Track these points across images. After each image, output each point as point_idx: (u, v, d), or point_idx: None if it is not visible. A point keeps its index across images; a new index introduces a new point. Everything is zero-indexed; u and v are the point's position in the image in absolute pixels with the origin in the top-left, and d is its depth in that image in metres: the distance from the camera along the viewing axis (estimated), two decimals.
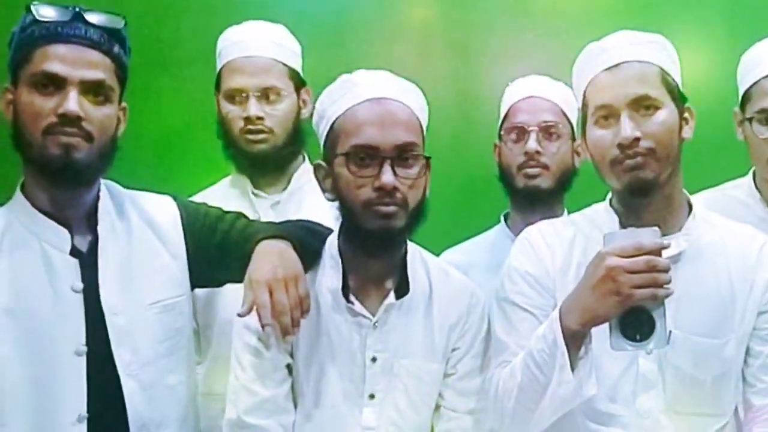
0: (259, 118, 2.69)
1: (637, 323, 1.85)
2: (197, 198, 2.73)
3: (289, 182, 2.78)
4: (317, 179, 2.19)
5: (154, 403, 2.10)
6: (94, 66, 2.03)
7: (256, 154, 2.73)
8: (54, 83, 2.00)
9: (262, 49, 2.75)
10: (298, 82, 2.78)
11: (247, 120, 2.70)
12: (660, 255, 1.85)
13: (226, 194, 2.79)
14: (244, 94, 2.71)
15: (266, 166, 2.76)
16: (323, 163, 2.18)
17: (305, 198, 2.71)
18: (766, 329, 2.10)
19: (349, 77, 2.18)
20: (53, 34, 2.02)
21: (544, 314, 2.03)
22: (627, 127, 2.01)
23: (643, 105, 2.04)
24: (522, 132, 2.74)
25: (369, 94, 2.12)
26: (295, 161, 2.80)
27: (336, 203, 2.16)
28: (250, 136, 2.71)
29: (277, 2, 3.54)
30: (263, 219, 2.66)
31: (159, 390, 2.12)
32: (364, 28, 3.61)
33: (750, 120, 2.55)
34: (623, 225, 2.09)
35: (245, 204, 2.74)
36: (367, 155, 2.08)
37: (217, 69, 2.80)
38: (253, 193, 2.78)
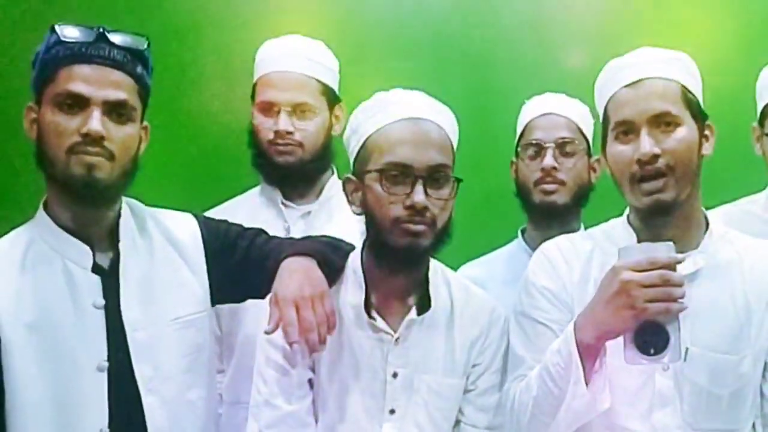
0: (289, 133, 2.73)
1: (651, 337, 1.86)
2: (224, 208, 2.78)
3: (320, 193, 2.81)
4: (345, 193, 2.21)
5: (174, 418, 2.11)
6: (117, 86, 2.04)
7: (283, 165, 2.76)
8: (78, 103, 2.02)
9: (297, 65, 2.77)
10: (332, 99, 2.81)
11: (277, 133, 2.73)
12: (674, 269, 1.85)
13: (255, 204, 2.83)
14: (275, 109, 2.74)
15: (292, 178, 2.79)
16: (353, 177, 2.19)
17: (336, 209, 2.73)
18: None
19: (385, 95, 2.20)
20: (77, 54, 2.04)
21: (561, 329, 2.03)
22: (646, 144, 2.02)
23: (663, 122, 2.04)
24: (539, 148, 2.76)
25: (404, 113, 2.14)
26: (324, 174, 2.83)
27: (362, 217, 2.17)
28: (279, 148, 2.74)
29: (297, 19, 3.55)
30: (293, 229, 2.70)
31: (179, 405, 2.13)
32: (383, 44, 3.62)
33: None
34: (640, 241, 2.10)
35: (275, 213, 2.78)
36: (400, 173, 2.09)
37: (254, 80, 2.83)
38: (282, 203, 2.81)
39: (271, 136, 2.74)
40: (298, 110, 2.74)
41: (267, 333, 2.08)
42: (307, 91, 2.76)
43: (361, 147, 2.17)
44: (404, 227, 2.08)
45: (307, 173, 2.79)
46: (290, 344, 2.06)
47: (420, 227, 2.08)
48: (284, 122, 2.72)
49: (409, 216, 2.08)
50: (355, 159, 2.19)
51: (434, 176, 2.10)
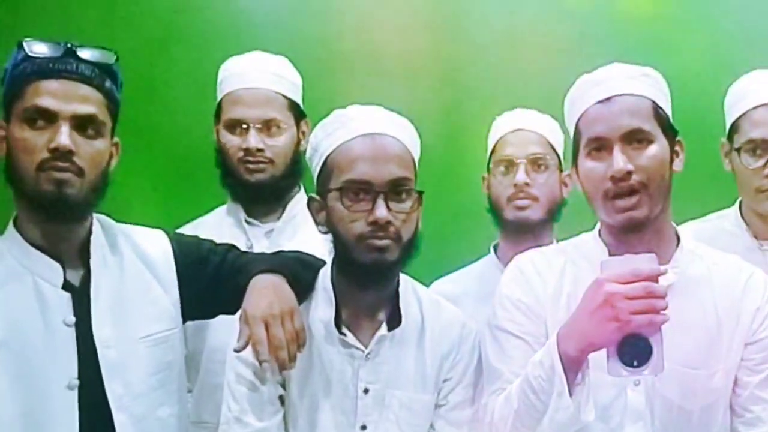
0: (259, 150, 2.71)
1: (634, 349, 1.86)
2: (192, 226, 2.76)
3: (283, 211, 2.79)
4: (311, 212, 2.21)
5: None
6: (85, 101, 2.03)
7: (254, 184, 2.74)
8: (45, 118, 2.00)
9: (264, 80, 2.76)
10: (298, 114, 2.80)
11: (247, 151, 2.71)
12: (657, 281, 1.86)
13: (221, 223, 2.81)
14: (244, 126, 2.73)
15: (263, 196, 2.77)
16: (316, 197, 2.19)
17: (300, 227, 2.71)
18: (754, 360, 2.10)
19: (342, 112, 2.20)
20: (45, 70, 2.03)
21: (536, 341, 2.04)
22: (620, 161, 2.03)
23: (635, 138, 2.05)
24: (510, 164, 2.77)
25: (362, 130, 2.14)
26: (291, 191, 2.82)
27: (329, 236, 2.17)
28: (250, 166, 2.72)
29: (267, 35, 3.55)
30: (256, 247, 2.68)
31: (150, 422, 2.11)
32: (354, 60, 3.63)
33: (738, 150, 2.57)
34: (612, 255, 2.10)
35: (239, 232, 2.76)
36: (361, 190, 2.09)
37: (218, 99, 2.82)
38: (246, 221, 2.79)
39: (240, 154, 2.72)
40: (267, 127, 2.73)
41: (236, 351, 2.08)
42: (276, 107, 2.75)
43: (323, 165, 2.17)
44: (369, 243, 2.08)
45: (278, 190, 2.78)
46: (260, 362, 2.05)
47: (384, 242, 2.08)
48: (254, 139, 2.71)
49: (373, 231, 2.08)
50: (318, 177, 2.20)
51: (395, 190, 2.10)
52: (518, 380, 2.02)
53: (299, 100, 2.84)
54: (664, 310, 1.85)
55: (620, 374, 1.88)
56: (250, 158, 2.72)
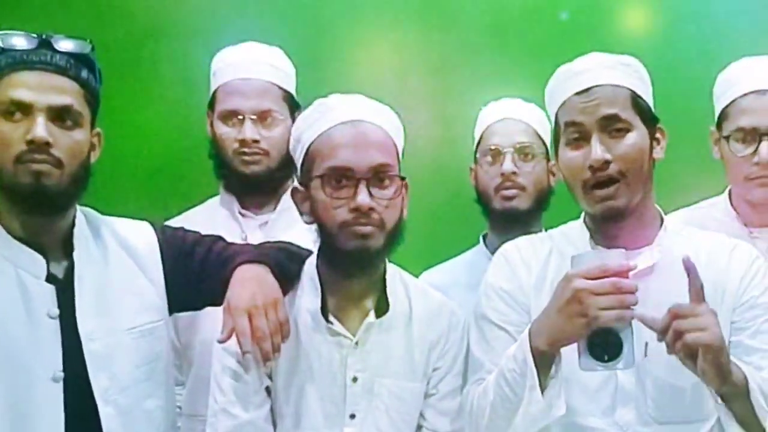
0: (255, 141, 2.69)
1: (604, 344, 1.87)
2: (183, 218, 2.75)
3: (278, 203, 2.77)
4: (295, 203, 2.21)
5: (132, 428, 2.09)
6: (61, 91, 2.02)
7: (249, 176, 2.73)
8: (21, 110, 1.99)
9: (259, 71, 2.75)
10: (293, 105, 2.78)
11: (242, 142, 2.70)
12: (627, 276, 1.86)
13: (214, 214, 2.79)
14: (239, 117, 2.71)
15: (258, 188, 2.76)
16: (300, 187, 2.19)
17: (295, 218, 2.70)
18: (743, 319, 2.09)
19: (323, 101, 2.20)
20: (19, 61, 2.02)
21: (519, 331, 2.04)
22: (598, 150, 2.04)
23: (613, 128, 2.06)
24: (497, 154, 2.77)
25: (343, 117, 2.14)
26: (286, 183, 2.81)
27: (314, 226, 2.17)
28: (246, 158, 2.71)
29: (254, 25, 3.54)
30: (251, 239, 2.66)
31: (137, 415, 2.11)
32: (342, 50, 3.63)
33: (727, 138, 2.56)
34: (595, 242, 2.12)
35: (233, 224, 2.75)
36: (343, 177, 2.09)
37: (212, 89, 2.80)
38: (240, 213, 2.78)
39: (236, 145, 2.71)
40: (263, 118, 2.72)
41: (220, 342, 2.09)
42: (271, 98, 2.74)
43: (305, 154, 2.17)
44: (352, 230, 2.08)
45: (274, 182, 2.76)
46: (243, 353, 2.06)
47: (367, 229, 2.08)
48: (250, 130, 2.69)
49: (356, 219, 2.08)
50: (301, 168, 2.20)
51: (378, 176, 2.10)
52: (494, 372, 2.02)
53: (293, 91, 2.82)
54: (634, 305, 1.86)
55: (593, 369, 1.89)
56: (246, 149, 2.70)
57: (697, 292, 1.89)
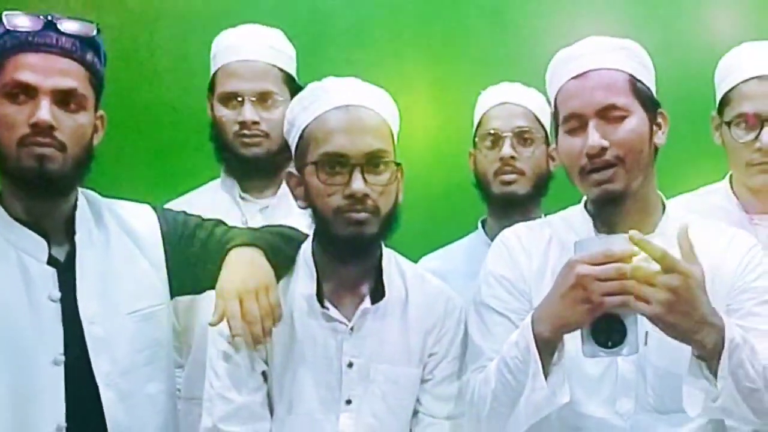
0: (255, 123, 2.68)
1: (608, 330, 1.86)
2: (184, 201, 2.73)
3: (279, 187, 2.76)
4: (289, 188, 2.20)
5: (133, 412, 2.09)
6: (65, 74, 2.02)
7: (250, 158, 2.72)
8: (26, 92, 1.99)
9: (259, 53, 2.74)
10: (293, 87, 2.75)
11: (243, 125, 2.69)
12: (630, 262, 1.85)
13: (214, 198, 2.78)
14: (239, 99, 2.70)
15: (259, 171, 2.75)
16: (294, 172, 2.18)
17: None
18: (740, 299, 2.07)
19: (318, 85, 2.19)
20: (24, 43, 2.01)
21: (520, 318, 2.03)
22: (594, 137, 2.03)
23: (611, 114, 2.05)
24: (496, 138, 2.76)
25: (338, 102, 2.13)
26: (287, 166, 2.80)
27: (308, 211, 2.16)
28: (246, 140, 2.70)
29: (251, 9, 3.52)
30: (251, 223, 2.65)
31: (138, 399, 2.11)
32: (340, 35, 3.61)
33: (729, 124, 2.56)
34: (597, 228, 2.11)
35: (234, 208, 2.74)
36: (337, 163, 2.09)
37: (212, 71, 2.79)
38: (241, 197, 2.77)
39: (236, 127, 2.70)
40: (263, 99, 2.71)
41: (211, 325, 2.09)
42: (271, 80, 2.73)
43: (299, 139, 2.16)
44: (346, 216, 2.08)
45: (274, 164, 2.73)
46: (233, 336, 2.06)
47: (362, 215, 2.08)
48: (250, 112, 2.68)
49: (350, 205, 2.07)
50: (295, 152, 2.19)
51: (372, 162, 2.09)
52: (496, 360, 2.01)
53: (294, 73, 2.81)
54: None
55: (597, 355, 1.88)
56: (246, 131, 2.69)
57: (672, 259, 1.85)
